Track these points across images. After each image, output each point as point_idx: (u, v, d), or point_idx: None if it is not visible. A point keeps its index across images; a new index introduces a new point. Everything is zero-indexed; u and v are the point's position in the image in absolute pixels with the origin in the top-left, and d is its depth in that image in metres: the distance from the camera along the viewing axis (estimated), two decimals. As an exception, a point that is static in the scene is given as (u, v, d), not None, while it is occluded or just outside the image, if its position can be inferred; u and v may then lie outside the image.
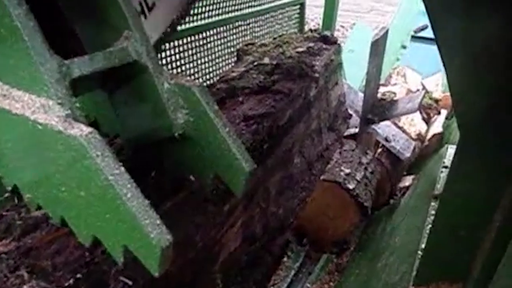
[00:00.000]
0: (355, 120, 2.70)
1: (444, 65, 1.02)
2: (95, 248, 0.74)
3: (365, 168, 2.36)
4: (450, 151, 2.12)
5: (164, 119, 0.84)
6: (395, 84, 3.59)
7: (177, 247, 0.85)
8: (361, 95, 2.61)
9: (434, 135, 3.11)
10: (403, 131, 2.81)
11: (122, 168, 0.62)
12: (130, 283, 0.76)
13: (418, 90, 3.35)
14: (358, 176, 2.30)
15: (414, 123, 3.01)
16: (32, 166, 0.70)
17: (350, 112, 2.67)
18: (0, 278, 0.66)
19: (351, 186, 2.21)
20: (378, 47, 2.36)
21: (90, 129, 0.62)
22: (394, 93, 3.05)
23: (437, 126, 3.21)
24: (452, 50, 0.97)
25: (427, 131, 3.17)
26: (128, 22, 0.79)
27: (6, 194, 1.21)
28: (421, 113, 3.16)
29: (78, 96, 0.71)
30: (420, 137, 3.04)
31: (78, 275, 0.70)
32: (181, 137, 0.85)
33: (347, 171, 2.28)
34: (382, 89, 3.16)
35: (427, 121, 3.27)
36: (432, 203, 1.83)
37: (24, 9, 0.63)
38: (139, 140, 0.93)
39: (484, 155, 1.10)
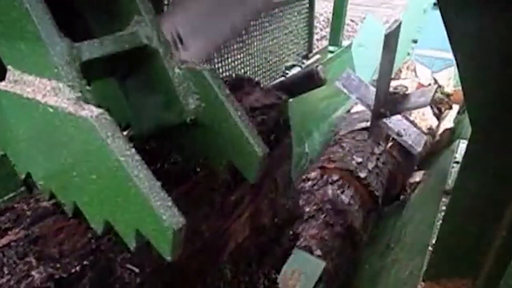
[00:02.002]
0: (366, 114, 2.69)
1: (456, 62, 1.01)
2: (102, 237, 0.73)
3: (377, 159, 2.38)
4: (462, 146, 2.10)
5: (175, 105, 0.83)
6: (405, 78, 3.56)
7: (185, 237, 0.88)
8: (372, 89, 2.60)
9: (445, 130, 3.08)
10: (415, 125, 2.79)
11: (133, 150, 0.61)
12: (136, 270, 0.76)
13: (430, 84, 3.34)
14: (370, 166, 2.30)
15: (426, 118, 2.99)
16: (44, 151, 0.70)
17: (362, 106, 2.67)
18: (9, 265, 0.67)
19: (362, 175, 2.20)
20: (391, 40, 2.34)
21: (100, 110, 0.61)
22: (406, 87, 3.04)
23: (448, 121, 3.19)
24: (465, 48, 0.97)
25: (438, 126, 3.15)
26: (138, 7, 0.78)
27: (20, 189, 1.23)
28: (432, 108, 3.13)
29: (89, 81, 0.70)
30: (431, 132, 3.02)
31: (85, 262, 0.70)
32: (193, 122, 0.83)
33: (359, 160, 2.28)
34: (393, 83, 3.16)
35: (438, 116, 3.25)
36: (443, 199, 1.82)
37: None
38: (151, 127, 0.92)
39: (496, 151, 1.09)
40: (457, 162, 2.02)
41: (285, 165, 1.35)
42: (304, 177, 2.22)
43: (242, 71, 2.91)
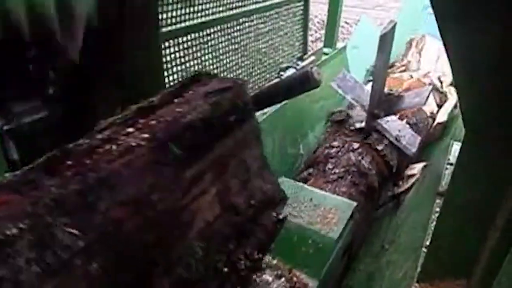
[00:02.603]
0: (361, 114, 2.70)
1: (450, 64, 1.02)
2: (38, 202, 0.76)
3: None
4: (455, 147, 2.11)
5: None
6: (408, 62, 3.60)
7: (129, 205, 0.90)
8: (367, 89, 2.61)
9: (438, 124, 3.16)
10: (415, 125, 2.85)
11: None
12: (77, 233, 0.78)
13: (426, 84, 3.38)
14: (385, 141, 2.58)
15: (429, 103, 3.02)
16: None
17: (357, 106, 2.68)
18: None
19: (379, 148, 2.52)
20: (386, 41, 2.35)
21: None
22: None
23: (443, 114, 3.25)
24: (458, 53, 0.97)
25: (437, 112, 3.25)
26: None
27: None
28: (434, 97, 3.29)
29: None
30: (433, 116, 3.16)
31: (21, 225, 0.73)
32: None
33: (376, 136, 2.59)
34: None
35: (439, 105, 3.33)
36: (437, 200, 1.82)
37: None
38: None
39: (489, 153, 1.10)
40: (451, 164, 2.03)
41: (255, 148, 1.39)
42: (327, 145, 2.57)
43: (237, 72, 2.91)
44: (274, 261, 1.41)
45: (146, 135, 1.01)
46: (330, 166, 2.35)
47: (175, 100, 1.22)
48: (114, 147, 0.95)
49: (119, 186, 0.90)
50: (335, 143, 2.55)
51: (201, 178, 1.14)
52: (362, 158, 2.39)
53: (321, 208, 1.70)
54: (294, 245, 1.50)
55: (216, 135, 1.21)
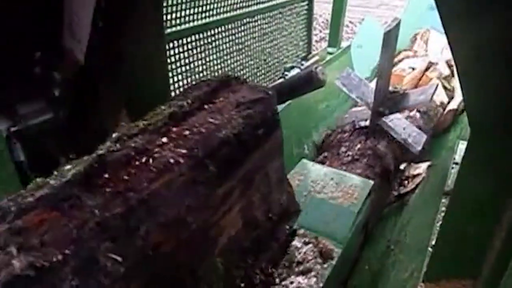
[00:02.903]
0: (366, 112, 2.69)
1: (455, 65, 1.02)
2: (83, 227, 0.74)
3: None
4: (461, 147, 2.10)
5: None
6: (415, 53, 3.60)
7: (167, 228, 0.88)
8: (372, 87, 2.60)
9: (449, 111, 3.17)
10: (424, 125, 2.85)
11: None
12: (119, 259, 0.76)
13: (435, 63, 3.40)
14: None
15: (438, 93, 3.03)
16: None
17: (362, 104, 2.67)
18: None
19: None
20: (390, 38, 2.34)
21: None
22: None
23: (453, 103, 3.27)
24: (464, 51, 0.97)
25: (448, 102, 3.26)
26: None
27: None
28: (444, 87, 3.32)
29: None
30: (442, 106, 3.18)
31: (66, 251, 0.70)
32: None
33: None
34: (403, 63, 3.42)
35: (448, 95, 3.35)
36: (443, 200, 1.82)
37: None
38: None
39: (495, 153, 1.09)
40: (457, 163, 2.02)
41: (277, 160, 1.36)
42: (339, 130, 2.69)
43: (241, 72, 2.91)
44: (301, 231, 1.57)
45: (183, 151, 0.97)
46: (343, 149, 2.49)
47: (206, 107, 1.18)
48: (150, 161, 0.91)
49: (159, 208, 0.88)
50: (347, 127, 2.68)
51: (231, 194, 1.11)
52: (379, 143, 2.48)
53: (341, 186, 1.89)
54: (319, 217, 1.67)
55: (246, 151, 1.18)
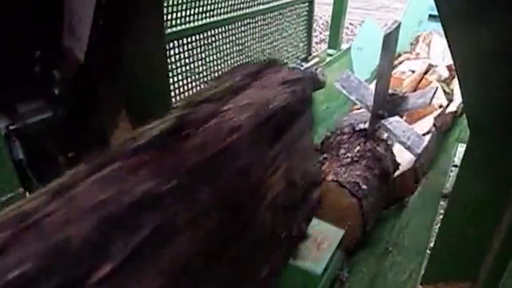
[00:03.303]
0: (366, 115, 2.69)
1: (455, 67, 1.02)
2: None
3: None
4: (460, 149, 2.10)
5: None
6: (417, 55, 3.62)
7: (239, 176, 1.09)
8: (372, 89, 2.59)
9: (449, 113, 3.17)
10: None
11: None
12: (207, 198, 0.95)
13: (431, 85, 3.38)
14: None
15: (437, 96, 3.03)
16: None
17: (361, 106, 2.67)
18: None
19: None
20: (390, 40, 2.33)
21: None
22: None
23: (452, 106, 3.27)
24: (463, 52, 0.97)
25: (447, 105, 3.25)
26: None
27: (18, 190, 1.23)
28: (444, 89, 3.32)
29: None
30: (442, 108, 3.16)
31: (174, 182, 0.86)
32: None
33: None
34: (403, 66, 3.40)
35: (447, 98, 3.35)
36: (441, 202, 1.82)
37: None
38: None
39: (494, 155, 1.09)
40: (456, 166, 2.02)
41: (308, 134, 1.62)
42: (339, 132, 2.67)
43: (241, 73, 2.91)
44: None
45: (244, 117, 1.17)
46: (343, 151, 2.48)
47: (255, 83, 1.42)
48: (221, 122, 1.12)
49: (233, 159, 1.08)
50: (346, 130, 2.68)
51: (278, 157, 1.32)
52: (378, 145, 2.46)
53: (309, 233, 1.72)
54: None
55: (290, 121, 1.41)
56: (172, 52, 2.25)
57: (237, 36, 2.77)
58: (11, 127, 1.32)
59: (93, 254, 0.68)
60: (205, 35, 2.47)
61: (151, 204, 0.81)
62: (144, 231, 0.77)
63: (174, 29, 2.22)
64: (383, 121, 2.56)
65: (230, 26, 2.67)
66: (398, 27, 2.35)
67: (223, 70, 2.71)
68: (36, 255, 0.67)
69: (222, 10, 2.55)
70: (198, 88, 2.49)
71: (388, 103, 2.57)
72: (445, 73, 3.49)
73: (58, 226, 0.68)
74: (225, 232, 1.07)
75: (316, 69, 1.71)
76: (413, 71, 3.42)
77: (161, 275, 0.81)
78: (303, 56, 3.72)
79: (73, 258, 0.66)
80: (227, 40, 2.68)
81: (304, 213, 1.58)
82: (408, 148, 2.56)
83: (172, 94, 2.23)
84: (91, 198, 0.74)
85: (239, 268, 1.17)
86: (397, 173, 2.60)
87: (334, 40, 3.85)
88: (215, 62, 2.63)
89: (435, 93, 2.50)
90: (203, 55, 2.50)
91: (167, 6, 2.12)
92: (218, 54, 2.63)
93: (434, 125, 2.93)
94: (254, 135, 1.16)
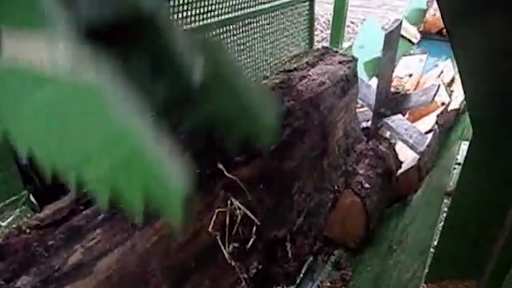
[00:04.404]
0: (367, 113, 2.69)
1: (457, 64, 1.01)
2: None
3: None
4: (463, 147, 2.09)
5: (182, 72, 0.81)
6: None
7: (322, 113, 1.81)
8: (373, 88, 2.59)
9: (451, 111, 3.16)
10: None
11: (141, 114, 0.59)
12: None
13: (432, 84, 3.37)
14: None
15: (439, 94, 3.02)
16: (47, 120, 0.64)
17: (363, 105, 2.67)
18: None
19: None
20: (391, 39, 2.34)
21: (104, 75, 0.59)
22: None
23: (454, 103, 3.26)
24: (466, 49, 0.97)
25: (449, 103, 3.25)
26: None
27: (22, 192, 1.24)
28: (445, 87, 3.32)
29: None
30: (445, 105, 3.18)
31: None
32: (200, 91, 0.82)
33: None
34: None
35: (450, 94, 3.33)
36: (445, 200, 1.81)
37: None
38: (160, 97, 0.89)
39: (497, 152, 1.09)
40: (459, 164, 2.01)
41: (354, 103, 2.29)
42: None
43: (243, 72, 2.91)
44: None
45: (319, 81, 1.85)
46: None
47: (322, 61, 2.12)
48: (303, 83, 1.80)
49: (318, 103, 1.79)
50: None
51: (343, 109, 2.00)
52: (380, 143, 2.49)
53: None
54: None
55: (348, 86, 2.06)
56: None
57: (238, 36, 2.77)
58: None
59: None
60: (207, 35, 2.47)
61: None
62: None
63: (175, 30, 2.22)
64: (385, 120, 2.56)
65: (231, 26, 2.67)
66: (400, 25, 2.35)
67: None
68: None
69: (223, 10, 2.55)
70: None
71: (390, 102, 2.57)
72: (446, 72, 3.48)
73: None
74: (317, 149, 1.76)
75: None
76: (410, 75, 3.40)
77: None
78: (305, 55, 3.71)
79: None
80: (229, 40, 2.68)
81: (354, 157, 2.21)
82: (411, 146, 2.56)
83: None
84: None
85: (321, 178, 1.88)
86: (400, 171, 2.59)
87: (335, 39, 3.84)
88: (216, 62, 2.63)
89: (437, 91, 2.50)
90: (205, 56, 2.49)
91: (169, 7, 2.12)
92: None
93: (437, 122, 2.91)
94: (331, 90, 1.85)
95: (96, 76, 0.58)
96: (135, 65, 0.85)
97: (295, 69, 1.93)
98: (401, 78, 3.37)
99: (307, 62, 2.04)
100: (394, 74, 3.39)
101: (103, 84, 0.57)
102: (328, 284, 2.24)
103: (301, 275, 2.30)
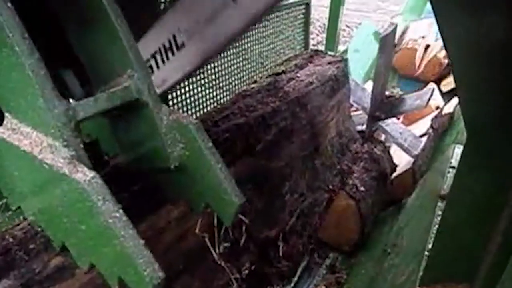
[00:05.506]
0: (362, 117, 2.69)
1: (451, 65, 1.01)
2: None
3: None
4: (457, 151, 2.10)
5: (161, 152, 0.90)
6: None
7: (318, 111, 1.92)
8: (368, 92, 2.60)
9: (446, 114, 3.18)
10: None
11: (121, 211, 0.68)
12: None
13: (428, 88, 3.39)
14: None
15: (434, 98, 3.04)
16: (37, 196, 0.74)
17: (358, 108, 2.68)
18: None
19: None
20: (387, 43, 2.35)
21: (92, 173, 0.67)
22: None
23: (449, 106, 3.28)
24: (460, 49, 0.97)
25: (444, 106, 3.29)
26: (132, 62, 0.83)
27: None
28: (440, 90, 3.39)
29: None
30: (439, 109, 3.23)
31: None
32: (177, 168, 0.92)
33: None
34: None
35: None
36: (439, 203, 1.81)
37: (35, 59, 0.66)
38: (137, 164, 1.00)
39: (491, 156, 1.09)
40: (453, 167, 2.02)
41: (347, 103, 2.31)
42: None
43: (238, 76, 2.91)
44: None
45: (310, 80, 1.90)
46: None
47: (311, 63, 2.17)
48: (299, 81, 1.89)
49: (310, 107, 1.85)
50: None
51: (333, 108, 2.01)
52: (375, 147, 2.50)
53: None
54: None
55: (338, 85, 2.08)
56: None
57: (234, 38, 2.76)
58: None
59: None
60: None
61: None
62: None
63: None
64: (380, 123, 2.57)
65: (227, 29, 2.66)
66: (395, 29, 2.36)
67: (220, 72, 2.71)
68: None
69: (218, 12, 2.55)
70: (196, 90, 2.48)
71: (385, 105, 2.58)
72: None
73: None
74: (307, 148, 1.79)
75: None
76: (423, 37, 3.40)
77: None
78: (300, 58, 3.71)
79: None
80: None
81: (349, 157, 2.25)
82: (406, 150, 2.57)
83: (170, 97, 2.23)
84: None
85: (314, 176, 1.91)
86: (394, 174, 2.60)
87: (331, 43, 3.85)
88: (212, 65, 2.63)
89: (431, 94, 2.51)
90: (200, 58, 2.49)
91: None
92: (215, 57, 2.62)
93: (431, 126, 2.92)
94: (319, 90, 1.89)
95: (86, 175, 0.67)
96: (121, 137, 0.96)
97: (283, 72, 1.99)
98: (415, 40, 3.38)
99: (295, 65, 2.10)
100: (408, 37, 3.40)
101: (92, 184, 0.66)
102: (323, 287, 2.23)
103: (296, 278, 2.29)
